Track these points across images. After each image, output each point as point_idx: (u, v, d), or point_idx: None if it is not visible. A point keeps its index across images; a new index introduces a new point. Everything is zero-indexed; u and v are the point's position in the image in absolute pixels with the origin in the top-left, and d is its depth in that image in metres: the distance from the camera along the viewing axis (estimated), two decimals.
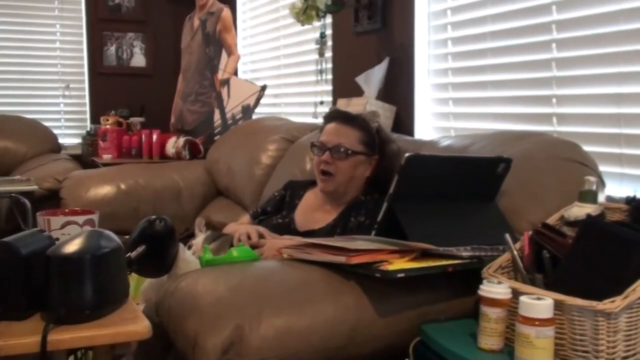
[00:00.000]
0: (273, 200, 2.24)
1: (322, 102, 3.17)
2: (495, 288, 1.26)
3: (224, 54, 4.09)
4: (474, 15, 2.35)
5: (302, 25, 2.80)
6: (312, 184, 2.15)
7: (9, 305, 1.17)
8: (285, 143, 2.92)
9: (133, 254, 1.46)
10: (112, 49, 4.80)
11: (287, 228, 2.04)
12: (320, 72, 3.04)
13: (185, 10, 4.48)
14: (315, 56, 3.06)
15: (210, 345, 1.29)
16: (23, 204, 3.11)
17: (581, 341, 1.17)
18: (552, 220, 1.47)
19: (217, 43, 4.10)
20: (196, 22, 4.23)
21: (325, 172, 1.99)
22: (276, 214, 2.16)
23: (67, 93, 4.75)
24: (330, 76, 3.18)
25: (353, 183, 2.01)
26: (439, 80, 2.57)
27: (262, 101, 3.87)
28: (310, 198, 2.13)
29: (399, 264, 1.39)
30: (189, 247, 1.83)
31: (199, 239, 1.89)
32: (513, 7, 2.17)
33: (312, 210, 2.08)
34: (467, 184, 1.63)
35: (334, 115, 2.08)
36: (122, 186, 3.11)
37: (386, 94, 2.70)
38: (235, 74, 4.14)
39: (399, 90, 2.67)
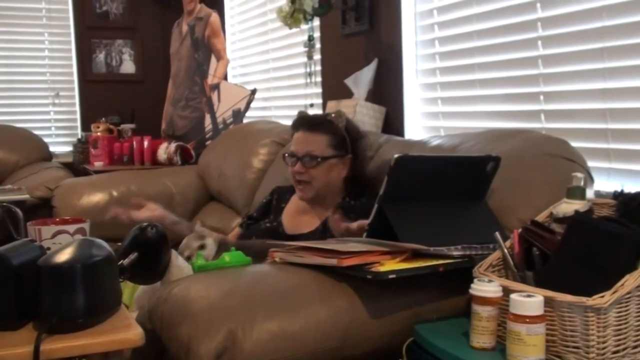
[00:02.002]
0: (259, 206, 2.24)
1: (312, 105, 3.18)
2: (486, 286, 1.27)
3: (213, 59, 4.09)
4: (460, 15, 2.36)
5: (290, 28, 2.80)
6: None
7: (1, 315, 1.17)
8: (276, 146, 2.92)
9: (125, 262, 1.46)
10: (101, 56, 4.80)
11: (276, 232, 2.05)
12: (310, 74, 3.05)
13: (173, 16, 4.48)
14: (304, 59, 3.07)
15: (204, 350, 1.29)
16: (15, 214, 3.10)
17: (572, 337, 1.18)
18: (541, 217, 1.48)
19: (206, 48, 4.10)
20: (185, 28, 4.24)
21: (301, 182, 2.00)
22: (263, 218, 2.17)
23: (57, 101, 4.74)
24: (319, 79, 3.19)
25: (331, 185, 2.02)
26: (428, 80, 2.58)
27: (252, 105, 3.87)
28: (296, 201, 2.13)
29: (390, 265, 1.40)
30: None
31: (186, 239, 1.90)
32: (498, 6, 2.18)
33: (300, 214, 2.08)
34: (457, 183, 1.64)
35: (300, 123, 2.08)
36: (114, 193, 3.10)
37: (375, 95, 2.70)
38: (225, 78, 4.15)
39: (388, 91, 2.68)
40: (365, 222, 1.66)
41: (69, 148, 4.65)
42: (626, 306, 1.18)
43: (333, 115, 2.06)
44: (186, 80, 4.20)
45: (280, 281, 1.50)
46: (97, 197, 3.08)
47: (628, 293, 1.16)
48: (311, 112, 2.84)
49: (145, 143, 4.02)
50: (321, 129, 2.02)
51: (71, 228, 1.58)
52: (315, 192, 2.00)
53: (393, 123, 2.65)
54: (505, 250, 1.39)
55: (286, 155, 2.05)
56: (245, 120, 3.83)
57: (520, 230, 1.43)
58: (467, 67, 2.35)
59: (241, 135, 3.23)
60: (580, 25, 1.89)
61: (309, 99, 3.31)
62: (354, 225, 1.71)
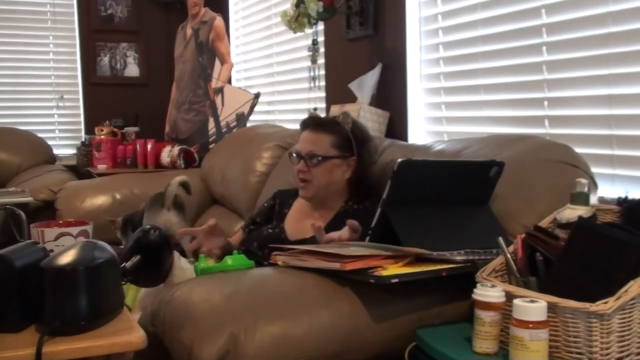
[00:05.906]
0: (262, 211, 2.24)
1: (315, 109, 3.18)
2: (489, 291, 1.27)
3: (217, 63, 4.10)
4: (464, 20, 2.36)
5: (294, 32, 2.80)
6: None
7: (3, 317, 1.17)
8: (280, 150, 2.92)
9: (128, 264, 1.46)
10: (106, 59, 4.81)
11: (278, 238, 2.04)
12: (313, 79, 3.05)
13: (177, 19, 4.49)
14: (308, 63, 3.07)
15: (206, 354, 1.29)
16: (18, 216, 3.11)
17: (575, 343, 1.18)
18: (544, 222, 1.47)
19: (210, 52, 4.10)
20: (189, 31, 4.24)
21: (304, 180, 2.01)
22: (266, 224, 2.16)
23: (61, 104, 4.75)
24: (323, 83, 3.19)
25: (333, 186, 2.02)
26: (431, 85, 2.58)
27: (256, 109, 3.88)
28: (299, 206, 2.13)
29: (393, 270, 1.39)
30: None
31: None
32: (503, 11, 2.18)
33: (302, 219, 2.08)
34: (460, 188, 1.63)
35: (307, 123, 2.10)
36: (118, 196, 3.11)
37: (379, 99, 2.70)
38: (229, 82, 4.15)
39: (391, 95, 2.68)
40: (346, 234, 1.67)
41: (73, 151, 4.66)
42: (630, 312, 1.17)
43: (340, 116, 2.07)
44: (190, 84, 4.20)
45: (283, 284, 1.50)
46: (100, 200, 3.09)
47: (632, 299, 1.16)
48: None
49: (149, 146, 4.03)
50: (326, 128, 2.03)
51: (74, 230, 1.58)
52: (315, 191, 2.01)
53: (396, 128, 2.65)
54: (509, 256, 1.39)
55: (292, 153, 2.07)
56: (248, 124, 3.84)
57: (523, 235, 1.42)
58: (471, 72, 2.35)
59: (244, 139, 3.23)
60: (586, 32, 1.89)
61: (313, 103, 3.32)
62: (336, 235, 1.72)
